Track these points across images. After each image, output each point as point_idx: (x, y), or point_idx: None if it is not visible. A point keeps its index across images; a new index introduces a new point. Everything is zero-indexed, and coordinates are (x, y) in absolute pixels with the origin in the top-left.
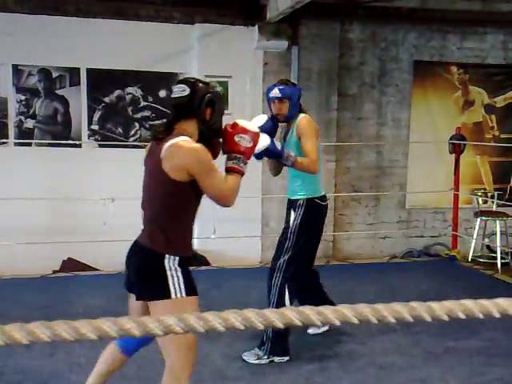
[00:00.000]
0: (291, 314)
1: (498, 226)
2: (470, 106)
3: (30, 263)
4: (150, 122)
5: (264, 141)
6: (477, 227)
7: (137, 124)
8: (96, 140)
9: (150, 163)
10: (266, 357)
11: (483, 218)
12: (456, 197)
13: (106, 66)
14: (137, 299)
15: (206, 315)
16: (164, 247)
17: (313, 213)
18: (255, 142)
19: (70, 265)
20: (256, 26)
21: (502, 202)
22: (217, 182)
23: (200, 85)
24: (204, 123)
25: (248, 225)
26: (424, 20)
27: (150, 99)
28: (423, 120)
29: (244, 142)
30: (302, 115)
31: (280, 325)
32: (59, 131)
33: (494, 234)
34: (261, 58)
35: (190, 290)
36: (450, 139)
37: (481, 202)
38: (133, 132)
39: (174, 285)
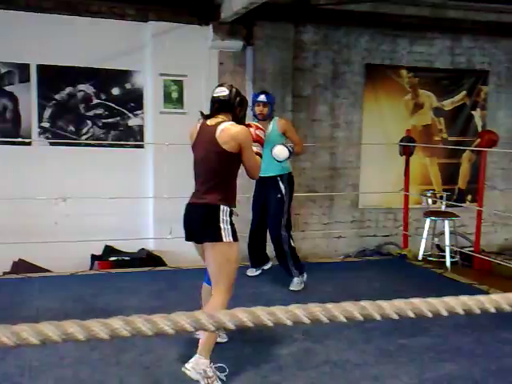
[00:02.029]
0: (242, 315)
1: (446, 225)
2: (420, 109)
3: None
4: (103, 120)
5: (286, 151)
6: (426, 227)
7: (89, 122)
8: (47, 138)
9: (204, 141)
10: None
11: (433, 217)
12: (406, 197)
13: (57, 63)
14: (197, 243)
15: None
16: (219, 201)
17: (292, 183)
18: (265, 135)
19: (21, 266)
20: (210, 26)
21: (451, 203)
22: (253, 155)
23: (234, 89)
24: (235, 117)
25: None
26: (375, 24)
27: (103, 97)
28: (375, 122)
29: (261, 135)
30: (277, 117)
31: (231, 326)
32: (8, 129)
33: (443, 233)
34: (216, 58)
35: (235, 236)
36: (400, 141)
37: (430, 202)
38: (85, 130)
39: (225, 230)
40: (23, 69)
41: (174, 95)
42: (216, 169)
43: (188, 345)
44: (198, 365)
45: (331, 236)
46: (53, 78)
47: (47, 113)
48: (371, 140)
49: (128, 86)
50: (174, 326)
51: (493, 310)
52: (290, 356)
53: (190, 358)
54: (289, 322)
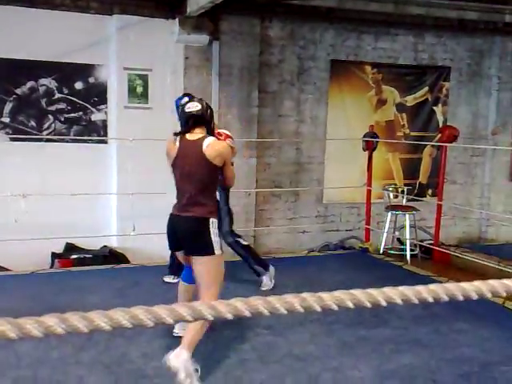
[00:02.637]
0: (183, 310)
1: (407, 219)
2: (383, 105)
3: None
4: (66, 115)
5: None
6: (388, 221)
7: (51, 117)
8: (7, 133)
9: (189, 156)
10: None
11: (394, 212)
12: (369, 192)
13: (17, 56)
14: (186, 255)
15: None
16: (209, 213)
17: (224, 188)
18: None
19: None
20: (176, 20)
21: (411, 197)
22: (231, 167)
23: (204, 103)
24: (209, 129)
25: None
26: (341, 20)
27: (66, 91)
28: (339, 117)
29: (233, 143)
30: None
31: (170, 321)
32: None
33: (404, 227)
34: (181, 52)
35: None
36: (364, 137)
37: (392, 196)
38: (47, 125)
39: (216, 243)
40: None
41: (139, 90)
42: (204, 182)
43: (149, 343)
44: (180, 356)
45: (296, 231)
46: (13, 72)
47: (7, 107)
48: (336, 135)
49: (91, 80)
50: (155, 319)
51: (446, 299)
52: (253, 350)
53: (152, 356)
54: (230, 316)
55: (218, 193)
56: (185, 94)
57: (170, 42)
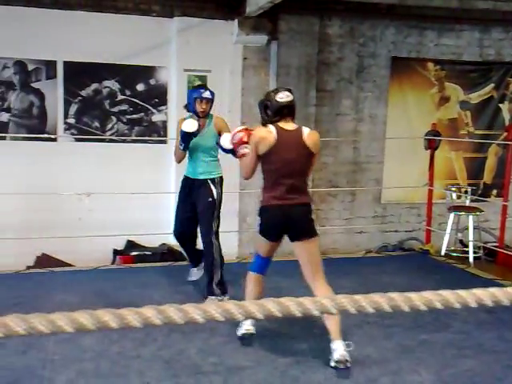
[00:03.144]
0: (272, 305)
1: (470, 220)
2: (446, 102)
3: (4, 259)
4: (128, 116)
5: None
6: (450, 222)
7: (114, 118)
8: (72, 134)
9: (292, 144)
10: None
11: (457, 212)
12: (430, 192)
13: (83, 59)
14: (297, 240)
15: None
16: (310, 199)
17: (222, 186)
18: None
19: (45, 261)
20: (235, 21)
21: (475, 197)
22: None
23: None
24: (293, 119)
25: (225, 220)
26: (402, 16)
27: (128, 93)
28: (399, 116)
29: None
30: (214, 114)
31: (260, 316)
32: (34, 125)
33: (467, 228)
34: (240, 53)
35: None
36: (426, 135)
37: (454, 197)
38: (110, 126)
39: (315, 225)
40: (50, 65)
41: None
42: (305, 170)
43: (206, 339)
44: (341, 348)
45: (352, 231)
46: (79, 74)
47: (73, 109)
48: (396, 134)
49: (152, 81)
50: (264, 312)
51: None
52: (310, 351)
53: (209, 352)
54: (316, 313)
55: (214, 190)
56: (200, 85)
57: (228, 42)
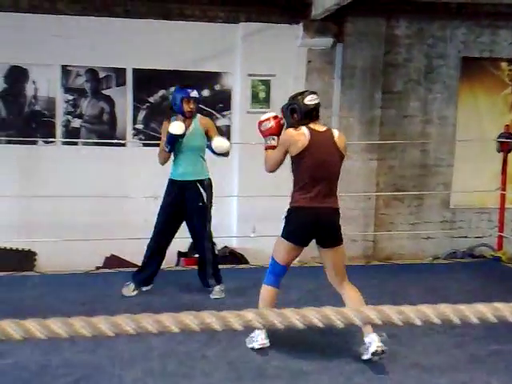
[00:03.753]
0: (371, 312)
1: None
2: None
3: (75, 259)
4: None
5: (227, 142)
6: None
7: None
8: (140, 139)
9: (324, 146)
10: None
11: None
12: (503, 196)
13: (151, 66)
14: (325, 247)
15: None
16: (338, 204)
17: (211, 188)
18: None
19: (113, 261)
20: (301, 24)
21: None
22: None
23: None
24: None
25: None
26: (473, 15)
27: None
28: (470, 118)
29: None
30: (198, 114)
31: (358, 321)
32: (104, 130)
33: None
34: (304, 56)
35: None
36: (498, 137)
37: None
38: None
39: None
40: (120, 73)
41: (262, 95)
42: (337, 173)
43: (271, 340)
44: (376, 340)
45: (419, 237)
46: (147, 81)
47: (141, 115)
48: (466, 136)
49: (217, 87)
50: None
51: None
52: (376, 355)
53: (272, 356)
54: (379, 321)
55: (204, 193)
56: (186, 85)
57: (293, 46)
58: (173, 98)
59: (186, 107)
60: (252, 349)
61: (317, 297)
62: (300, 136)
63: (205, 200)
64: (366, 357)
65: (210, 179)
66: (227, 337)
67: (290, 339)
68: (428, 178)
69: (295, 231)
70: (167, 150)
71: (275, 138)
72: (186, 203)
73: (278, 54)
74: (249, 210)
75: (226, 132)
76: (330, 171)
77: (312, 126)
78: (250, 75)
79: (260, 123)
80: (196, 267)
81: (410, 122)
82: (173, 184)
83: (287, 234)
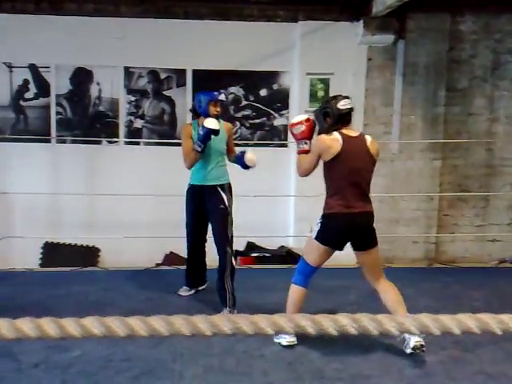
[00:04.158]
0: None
1: None
2: None
3: (136, 256)
4: (251, 121)
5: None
6: None
7: (237, 123)
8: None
9: (359, 151)
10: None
11: None
12: None
13: (210, 67)
14: (361, 250)
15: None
16: (372, 207)
17: (232, 193)
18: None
19: (172, 258)
20: (361, 21)
21: None
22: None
23: None
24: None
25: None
26: None
27: (251, 98)
28: None
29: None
30: (220, 119)
31: (354, 332)
32: (165, 131)
33: None
34: (364, 54)
35: None
36: None
37: None
38: (233, 131)
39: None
40: (180, 74)
41: (320, 94)
42: (370, 177)
43: (328, 344)
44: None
45: (484, 239)
46: (206, 81)
47: None
48: None
49: (275, 86)
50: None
51: None
52: (439, 364)
53: (331, 357)
54: (437, 332)
55: (225, 196)
56: (217, 90)
57: (352, 44)
58: (197, 101)
59: (213, 110)
60: (279, 344)
61: (375, 299)
62: (333, 142)
63: (226, 203)
64: (407, 351)
65: (229, 184)
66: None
67: (347, 342)
68: (494, 178)
69: (332, 237)
70: (199, 149)
71: (307, 142)
72: (208, 207)
73: (337, 51)
74: (306, 209)
75: (283, 131)
76: (363, 176)
77: (345, 131)
78: (309, 74)
79: (292, 126)
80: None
81: (475, 120)
82: (193, 189)
83: (323, 238)
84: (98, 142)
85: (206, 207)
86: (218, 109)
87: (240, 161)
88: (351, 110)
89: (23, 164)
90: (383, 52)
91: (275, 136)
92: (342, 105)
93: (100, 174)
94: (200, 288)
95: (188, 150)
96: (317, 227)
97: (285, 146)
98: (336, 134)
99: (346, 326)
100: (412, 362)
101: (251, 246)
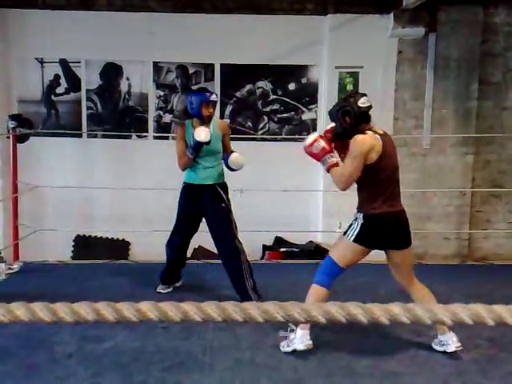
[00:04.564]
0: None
1: None
2: None
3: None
4: (279, 115)
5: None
6: None
7: (265, 117)
8: None
9: (393, 151)
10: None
11: None
12: None
13: (238, 61)
14: (397, 249)
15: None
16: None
17: (228, 192)
18: None
19: (201, 253)
20: (391, 14)
21: None
22: None
23: None
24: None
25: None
26: None
27: (279, 92)
28: None
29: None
30: (214, 117)
31: (448, 321)
32: None
33: None
34: (395, 47)
35: None
36: None
37: None
38: (262, 125)
39: None
40: (208, 68)
41: (349, 87)
42: (399, 176)
43: (358, 340)
44: (455, 338)
45: None
46: (234, 76)
47: (228, 109)
48: None
49: (304, 80)
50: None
51: None
52: (473, 362)
53: (362, 353)
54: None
55: (224, 195)
56: (202, 89)
57: (382, 37)
58: (189, 102)
59: (206, 111)
60: (294, 351)
61: (405, 296)
62: (375, 141)
63: (226, 201)
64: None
65: (225, 183)
66: (314, 332)
67: (377, 339)
68: None
69: (375, 237)
70: (191, 156)
71: (333, 154)
72: (207, 206)
73: (366, 45)
74: (334, 204)
75: (311, 126)
76: (396, 176)
77: (374, 129)
78: (338, 67)
79: (309, 147)
80: (282, 261)
81: (508, 115)
82: (189, 188)
83: (365, 240)
84: (128, 137)
85: (204, 207)
86: (211, 110)
87: (225, 162)
88: (371, 107)
89: (55, 158)
90: (414, 45)
91: (303, 130)
92: (362, 102)
93: (130, 168)
94: (177, 285)
95: (181, 153)
96: (354, 228)
97: None
98: (371, 133)
99: (381, 316)
100: (445, 360)
101: (279, 241)
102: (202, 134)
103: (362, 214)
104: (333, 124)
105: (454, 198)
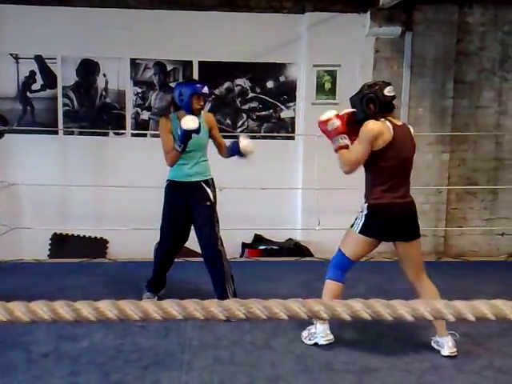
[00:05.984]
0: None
1: None
2: None
3: (144, 248)
4: (257, 113)
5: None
6: None
7: (244, 115)
8: None
9: (406, 141)
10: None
11: None
12: None
13: (216, 59)
14: (405, 241)
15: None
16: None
17: (215, 187)
18: None
19: (181, 251)
20: (368, 13)
21: None
22: None
23: None
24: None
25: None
26: None
27: (258, 90)
28: None
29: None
30: (203, 111)
31: (429, 317)
32: None
33: None
34: (372, 46)
35: None
36: None
37: None
38: (240, 123)
39: None
40: (187, 65)
41: (327, 86)
42: (411, 167)
43: (337, 337)
44: (451, 343)
45: (493, 233)
46: (212, 73)
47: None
48: None
49: (282, 78)
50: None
51: None
52: (448, 357)
53: (339, 350)
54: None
55: (210, 192)
56: (191, 79)
57: (359, 35)
58: (178, 94)
59: (196, 104)
60: (316, 344)
61: (385, 291)
62: (385, 129)
63: (211, 199)
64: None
65: (212, 179)
66: (292, 328)
67: (356, 335)
68: (503, 171)
69: (381, 227)
70: (180, 149)
71: (345, 137)
72: (191, 204)
73: (344, 43)
74: (313, 202)
75: (290, 124)
76: (409, 166)
77: (391, 119)
78: (316, 66)
79: (324, 123)
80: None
81: (483, 113)
82: (175, 186)
83: (370, 230)
84: (105, 134)
85: (190, 205)
86: (202, 102)
87: (235, 150)
88: (395, 97)
89: (31, 155)
90: (390, 44)
91: (282, 128)
92: (388, 91)
93: (107, 165)
94: (162, 292)
95: (169, 148)
96: (359, 220)
97: (292, 138)
98: (385, 121)
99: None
100: (420, 356)
101: (259, 239)
102: (189, 122)
103: (366, 205)
104: (351, 109)
105: (430, 195)
